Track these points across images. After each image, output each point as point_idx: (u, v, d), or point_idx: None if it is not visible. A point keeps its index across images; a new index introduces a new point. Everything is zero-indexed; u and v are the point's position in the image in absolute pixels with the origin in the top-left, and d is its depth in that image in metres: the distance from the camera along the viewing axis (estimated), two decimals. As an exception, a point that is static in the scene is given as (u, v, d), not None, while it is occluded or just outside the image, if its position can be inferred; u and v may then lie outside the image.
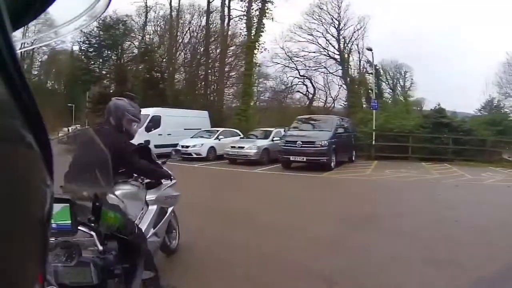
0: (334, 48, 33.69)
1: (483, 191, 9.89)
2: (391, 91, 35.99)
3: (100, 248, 1.82)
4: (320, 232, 5.49)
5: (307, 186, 10.70)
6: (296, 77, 34.19)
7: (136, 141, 3.10)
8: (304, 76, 34.15)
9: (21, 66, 0.35)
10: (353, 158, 16.72)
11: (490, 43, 40.99)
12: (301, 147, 13.53)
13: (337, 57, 33.67)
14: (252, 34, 27.07)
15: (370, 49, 22.64)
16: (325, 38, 33.46)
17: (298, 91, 34.82)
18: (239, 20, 29.07)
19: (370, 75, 33.02)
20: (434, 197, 8.80)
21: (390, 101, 32.11)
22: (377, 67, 26.31)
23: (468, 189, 10.20)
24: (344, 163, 15.25)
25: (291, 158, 13.67)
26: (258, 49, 27.14)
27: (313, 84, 34.37)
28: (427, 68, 41.51)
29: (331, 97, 34.48)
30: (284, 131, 15.61)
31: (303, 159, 13.46)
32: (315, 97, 34.67)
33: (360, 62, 33.71)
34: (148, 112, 17.24)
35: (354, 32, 33.01)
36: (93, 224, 1.82)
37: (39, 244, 0.41)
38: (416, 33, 42.61)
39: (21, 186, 0.36)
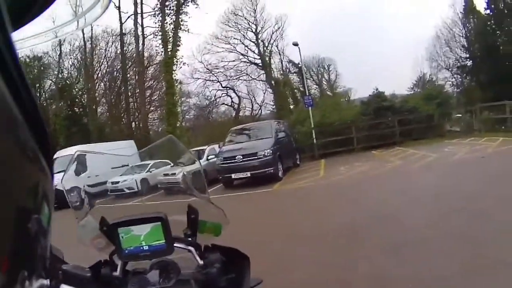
0: (254, 53, 32.87)
1: (465, 168, 9.13)
2: (317, 86, 36.14)
3: (201, 262, 1.38)
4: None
5: (262, 207, 8.92)
6: (218, 89, 32.94)
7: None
8: (227, 87, 32.96)
9: (21, 66, 0.36)
10: (298, 162, 15.64)
11: (412, 21, 42.78)
12: (242, 161, 12.00)
13: (258, 61, 32.95)
14: (168, 50, 25.64)
15: (296, 44, 21.71)
16: (244, 44, 32.56)
17: (223, 103, 33.72)
18: (153, 36, 27.45)
19: (294, 74, 33.15)
20: (425, 187, 7.69)
21: (318, 97, 31.83)
22: (299, 65, 25.66)
23: (447, 169, 9.43)
24: (290, 169, 14.04)
25: (233, 175, 12.09)
26: (176, 64, 25.93)
27: (237, 93, 33.44)
28: (355, 58, 42.26)
29: (257, 103, 33.71)
30: (219, 147, 14.12)
31: (246, 174, 11.96)
32: (241, 106, 33.78)
33: (282, 62, 33.35)
34: (72, 151, 14.60)
35: (273, 33, 32.46)
36: (190, 239, 1.40)
37: (12, 232, 0.38)
38: (335, 25, 43.34)
39: (19, 185, 0.37)
